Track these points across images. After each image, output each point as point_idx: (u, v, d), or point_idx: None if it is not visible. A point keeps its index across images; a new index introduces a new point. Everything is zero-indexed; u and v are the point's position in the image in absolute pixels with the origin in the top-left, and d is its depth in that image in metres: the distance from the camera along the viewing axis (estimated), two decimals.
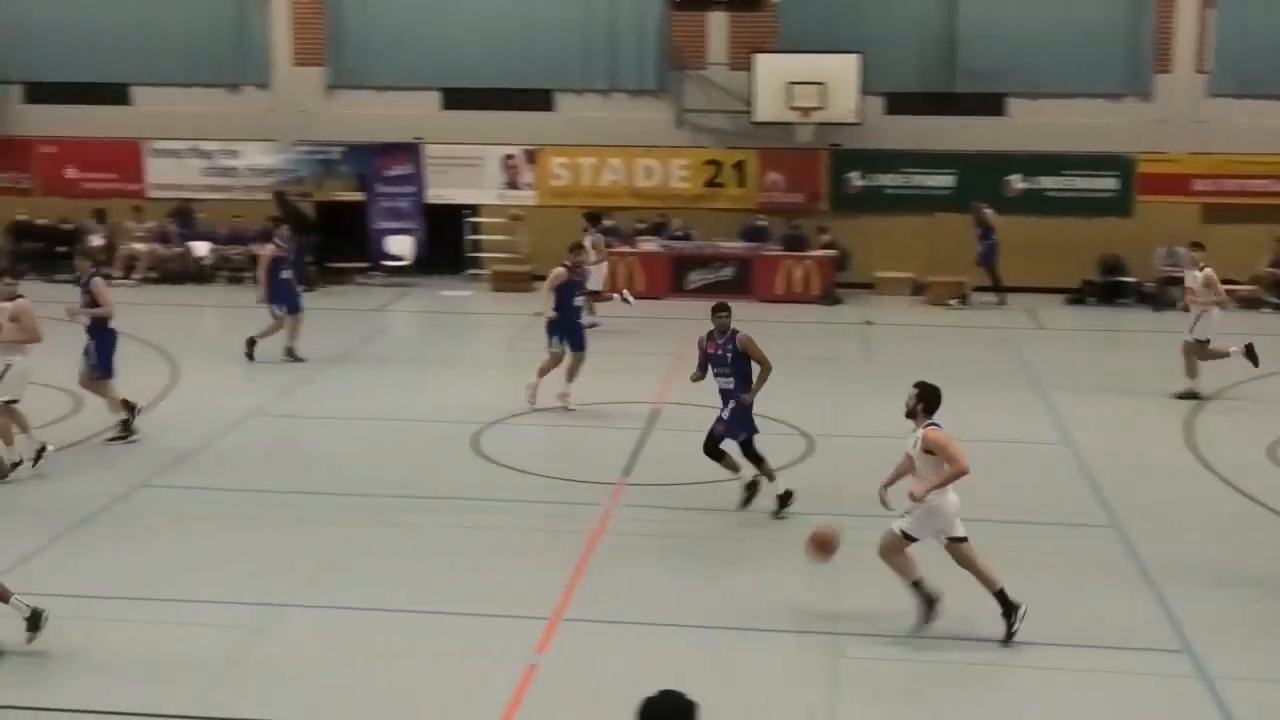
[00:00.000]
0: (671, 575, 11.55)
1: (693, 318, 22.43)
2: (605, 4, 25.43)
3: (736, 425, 12.64)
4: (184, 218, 25.83)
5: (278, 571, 11.46)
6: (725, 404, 12.70)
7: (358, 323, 22.04)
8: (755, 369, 12.59)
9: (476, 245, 26.08)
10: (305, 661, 9.90)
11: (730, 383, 12.62)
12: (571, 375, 16.62)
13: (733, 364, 12.59)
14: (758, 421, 12.86)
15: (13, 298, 13.93)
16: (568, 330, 16.67)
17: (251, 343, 18.92)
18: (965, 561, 10.03)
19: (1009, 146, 24.99)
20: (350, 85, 25.99)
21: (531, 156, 25.89)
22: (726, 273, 24.59)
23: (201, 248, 25.44)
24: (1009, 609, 9.95)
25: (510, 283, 25.04)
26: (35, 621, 9.79)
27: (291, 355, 18.93)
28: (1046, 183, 25.12)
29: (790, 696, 9.31)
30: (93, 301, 15.07)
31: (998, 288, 23.87)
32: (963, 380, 18.54)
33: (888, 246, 24.91)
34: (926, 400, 10.08)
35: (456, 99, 25.73)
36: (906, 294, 24.75)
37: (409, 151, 25.75)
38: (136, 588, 11.06)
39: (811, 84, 24.29)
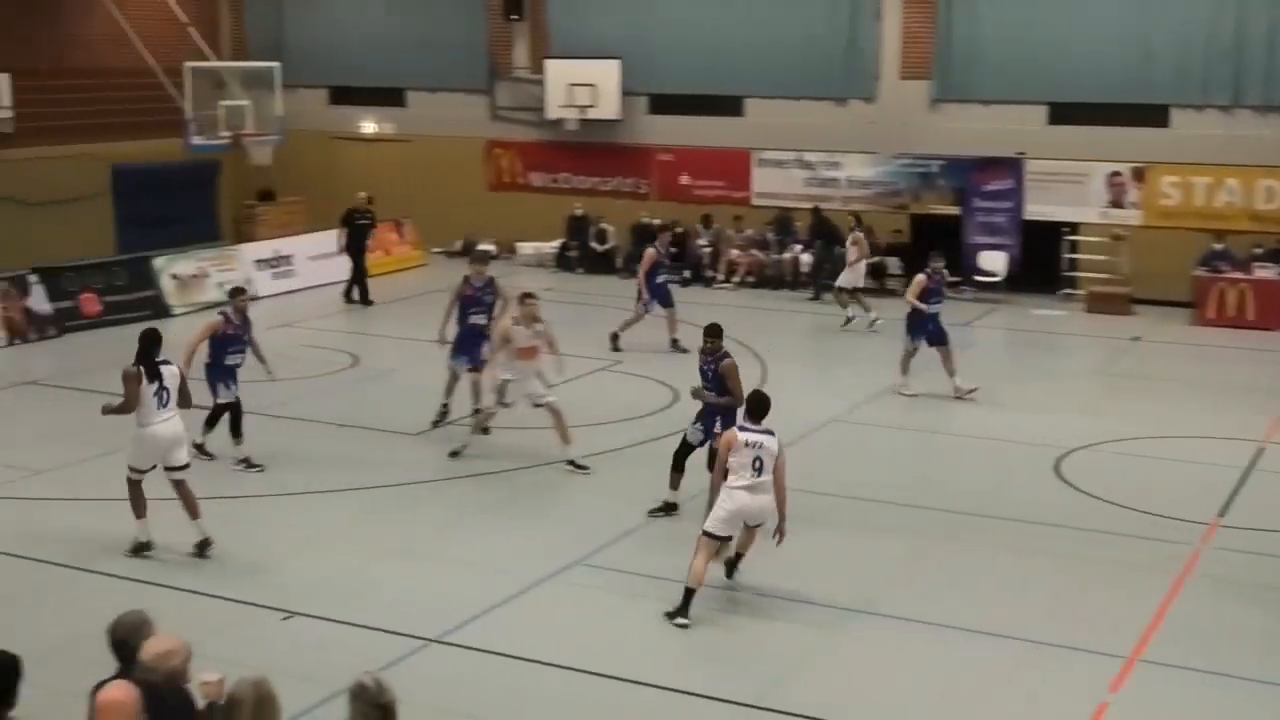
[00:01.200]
0: (1262, 628, 10.63)
1: None
2: (1233, 12, 23.76)
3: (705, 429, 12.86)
4: (783, 226, 26.69)
5: (847, 576, 11.60)
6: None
7: None
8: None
9: (1074, 264, 25.20)
10: (867, 669, 9.96)
11: (711, 396, 12.83)
12: (951, 369, 17.81)
13: (714, 381, 12.88)
14: None
15: (539, 318, 14.68)
16: (923, 326, 17.83)
17: (615, 337, 20.34)
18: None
19: None
20: (955, 99, 25.85)
21: (1140, 174, 24.68)
22: None
23: (804, 256, 26.14)
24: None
25: (1107, 304, 24.00)
26: (203, 548, 11.83)
27: (676, 346, 20.07)
28: None
29: None
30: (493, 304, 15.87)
31: None
32: None
33: None
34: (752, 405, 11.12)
35: (1063, 113, 24.95)
36: None
37: (1010, 166, 25.27)
38: (712, 577, 11.52)
39: None
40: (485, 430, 15.06)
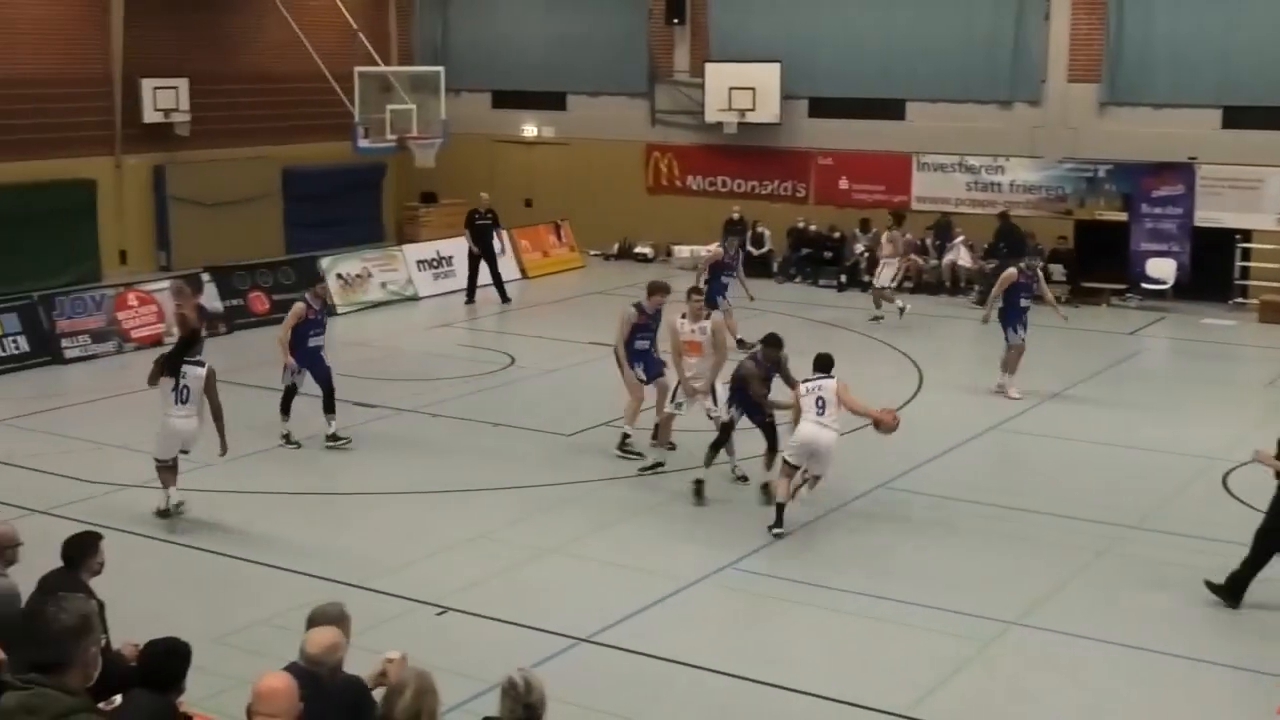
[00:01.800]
0: None
1: None
2: None
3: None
4: (943, 231, 26.30)
5: (1004, 588, 11.41)
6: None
7: (1108, 346, 21.39)
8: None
9: (1246, 273, 24.39)
10: (1020, 682, 9.80)
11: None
12: (1010, 367, 17.99)
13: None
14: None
15: (706, 315, 14.69)
16: (1013, 321, 18.00)
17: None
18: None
19: None
20: (1124, 102, 25.21)
21: None
22: None
23: (964, 261, 25.74)
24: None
25: None
26: (164, 514, 12.75)
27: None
28: None
29: None
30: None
31: None
32: None
33: None
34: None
35: (1238, 117, 24.12)
36: None
37: (1181, 171, 24.55)
38: (866, 585, 11.45)
39: None
40: (670, 445, 14.96)
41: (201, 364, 12.80)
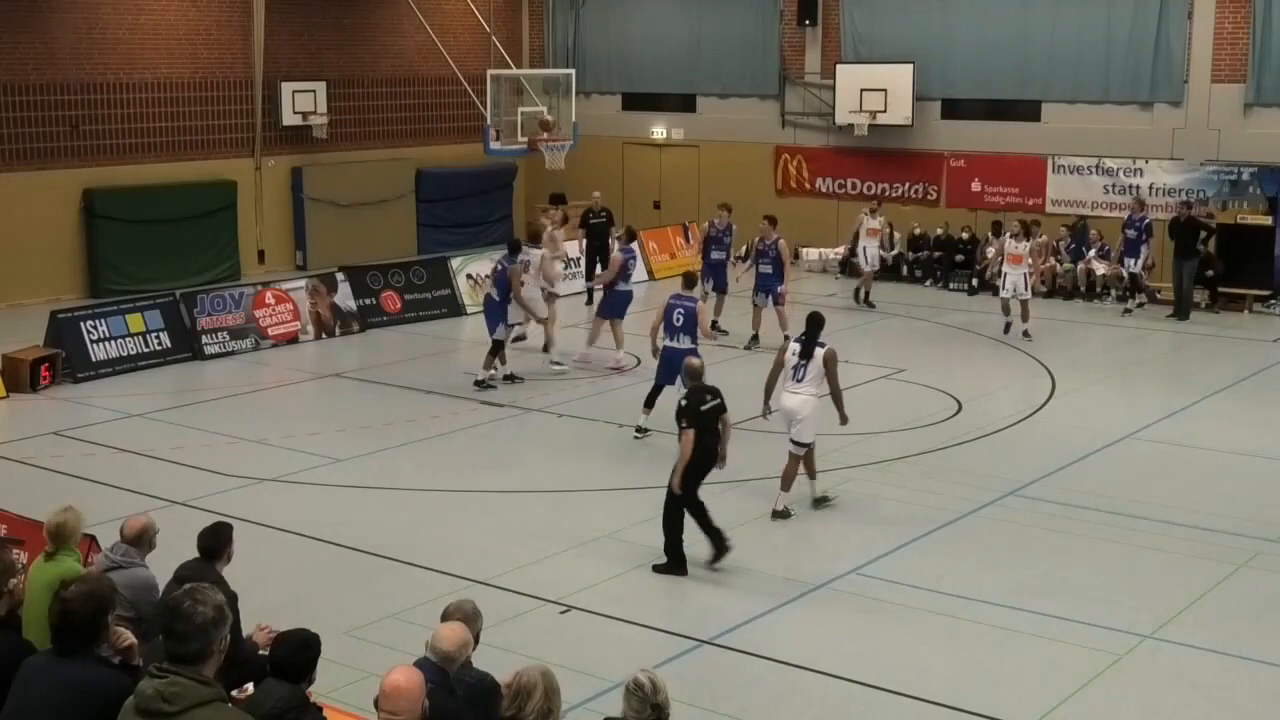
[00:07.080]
0: None
1: None
2: None
3: None
4: (1079, 234, 25.77)
5: (1138, 600, 11.15)
6: None
7: (1249, 353, 20.77)
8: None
9: None
10: (1153, 697, 9.56)
11: None
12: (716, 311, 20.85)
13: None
14: None
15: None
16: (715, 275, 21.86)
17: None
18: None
19: None
20: (1271, 103, 24.43)
21: None
22: None
23: (1099, 265, 25.21)
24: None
25: None
26: (822, 501, 13.33)
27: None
28: None
29: None
30: None
31: None
32: None
33: None
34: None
35: None
36: None
37: None
38: (995, 593, 11.26)
39: None
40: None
41: (822, 344, 13.08)
